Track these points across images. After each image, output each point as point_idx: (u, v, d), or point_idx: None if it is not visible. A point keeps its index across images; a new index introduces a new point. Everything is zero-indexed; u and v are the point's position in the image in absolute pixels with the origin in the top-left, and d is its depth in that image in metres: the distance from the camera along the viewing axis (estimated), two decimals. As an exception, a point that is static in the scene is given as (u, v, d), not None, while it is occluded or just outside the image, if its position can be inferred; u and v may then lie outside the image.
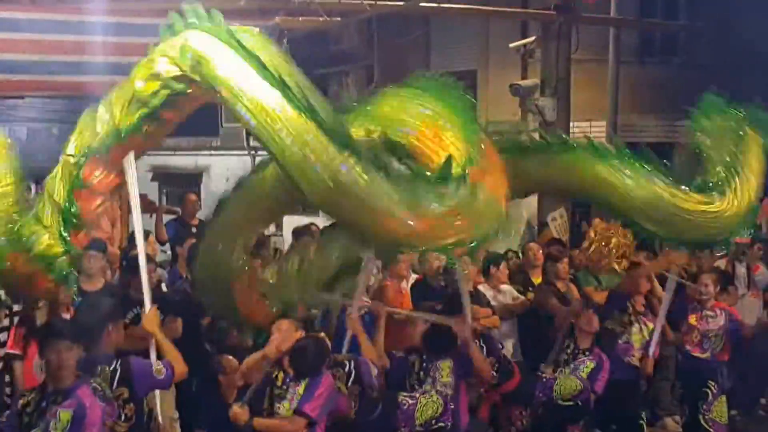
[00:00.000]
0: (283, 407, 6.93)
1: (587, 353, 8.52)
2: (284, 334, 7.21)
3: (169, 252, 11.83)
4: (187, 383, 8.74)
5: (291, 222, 11.58)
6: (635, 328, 9.32)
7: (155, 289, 9.03)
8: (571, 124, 13.78)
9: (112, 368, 6.23)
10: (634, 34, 19.12)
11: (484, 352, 8.27)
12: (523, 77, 16.53)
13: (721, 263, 11.33)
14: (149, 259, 9.19)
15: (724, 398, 9.55)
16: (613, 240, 9.83)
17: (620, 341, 9.26)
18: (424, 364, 7.93)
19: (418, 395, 7.63)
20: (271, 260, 10.68)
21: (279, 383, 7.04)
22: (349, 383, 7.42)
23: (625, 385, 9.02)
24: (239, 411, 6.84)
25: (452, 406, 7.73)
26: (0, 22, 9.97)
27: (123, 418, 6.31)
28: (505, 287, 10.44)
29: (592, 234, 10.11)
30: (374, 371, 7.58)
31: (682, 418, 10.20)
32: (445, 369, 7.87)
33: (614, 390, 8.83)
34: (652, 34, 19.85)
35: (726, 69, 16.99)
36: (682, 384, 10.21)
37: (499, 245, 11.30)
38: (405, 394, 7.70)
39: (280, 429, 6.90)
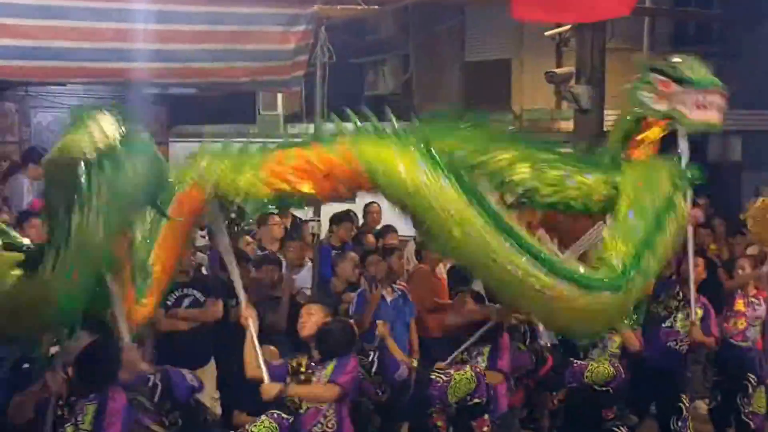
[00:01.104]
0: None
1: (612, 331, 8.49)
2: (315, 318, 7.36)
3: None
4: (228, 364, 8.93)
5: (328, 208, 11.70)
6: (681, 314, 9.28)
7: (196, 272, 9.19)
8: (604, 112, 13.78)
9: (151, 384, 6.37)
10: (669, 24, 19.09)
11: (528, 340, 8.41)
12: (558, 66, 16.54)
13: (754, 249, 11.34)
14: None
15: (762, 389, 9.61)
16: None
17: (663, 325, 9.24)
18: (469, 347, 8.08)
19: (452, 371, 7.71)
20: (308, 246, 10.85)
21: (303, 368, 7.16)
22: (372, 373, 7.52)
23: (666, 371, 9.07)
24: (269, 386, 6.94)
25: (485, 380, 7.81)
26: (43, 10, 10.10)
27: (167, 423, 6.48)
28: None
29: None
30: (401, 368, 7.63)
31: (710, 402, 10.20)
32: (485, 354, 8.00)
33: (655, 374, 8.95)
34: (687, 23, 19.81)
35: (760, 59, 16.99)
36: (719, 371, 10.15)
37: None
38: (438, 371, 7.79)
39: (314, 395, 7.00)
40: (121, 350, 6.24)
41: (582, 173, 6.43)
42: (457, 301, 8.61)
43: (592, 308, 6.02)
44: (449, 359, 8.15)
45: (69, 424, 6.14)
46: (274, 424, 6.75)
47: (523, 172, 6.22)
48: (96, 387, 6.14)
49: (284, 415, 6.81)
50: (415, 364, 8.48)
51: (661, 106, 6.97)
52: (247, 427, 6.79)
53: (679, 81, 6.92)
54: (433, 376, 7.73)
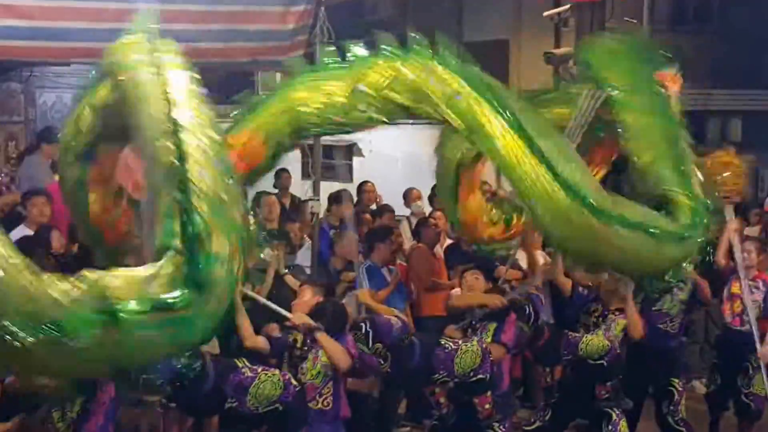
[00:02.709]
0: (307, 367, 7.11)
1: (617, 313, 8.49)
2: (306, 301, 7.44)
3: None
4: (228, 340, 8.98)
5: (327, 187, 11.81)
6: (669, 295, 9.30)
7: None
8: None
9: (132, 377, 6.24)
10: (668, 2, 19.14)
11: (531, 313, 8.37)
12: (556, 46, 16.60)
13: (755, 230, 11.38)
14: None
15: (763, 370, 9.47)
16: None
17: (653, 308, 9.24)
18: (473, 322, 8.11)
19: (460, 342, 7.74)
20: (309, 225, 10.92)
21: (299, 345, 7.23)
22: (371, 343, 7.55)
23: (656, 352, 9.07)
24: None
25: (491, 357, 7.82)
26: (46, -10, 10.13)
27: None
28: (539, 252, 10.58)
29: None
30: (394, 327, 7.64)
31: (709, 383, 10.16)
32: (490, 330, 8.01)
33: (646, 356, 8.97)
34: (686, 1, 19.85)
35: (759, 36, 17.04)
36: (718, 354, 10.16)
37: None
38: (448, 338, 7.81)
39: (333, 352, 7.09)
40: None
41: None
42: (465, 280, 8.54)
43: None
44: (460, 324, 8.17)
45: (56, 409, 6.17)
46: (281, 382, 6.78)
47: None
48: (82, 393, 6.14)
49: (293, 381, 6.86)
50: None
51: None
52: (259, 369, 6.82)
53: None
54: (442, 341, 7.73)
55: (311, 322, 7.09)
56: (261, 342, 7.19)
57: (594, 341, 8.19)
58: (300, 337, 7.24)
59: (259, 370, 6.77)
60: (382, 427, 9.58)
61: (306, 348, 7.18)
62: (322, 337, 7.07)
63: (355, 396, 8.27)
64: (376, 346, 7.42)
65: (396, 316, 7.87)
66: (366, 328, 7.44)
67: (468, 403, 7.85)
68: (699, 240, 6.99)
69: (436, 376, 7.61)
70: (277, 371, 6.85)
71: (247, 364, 6.78)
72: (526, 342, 8.30)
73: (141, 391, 6.47)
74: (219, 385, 6.61)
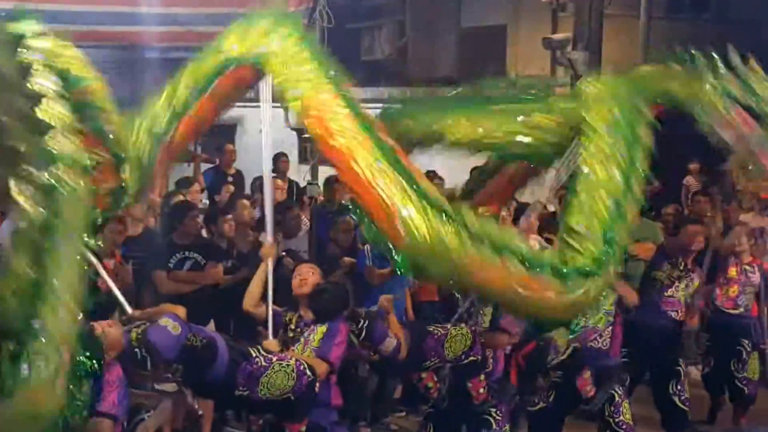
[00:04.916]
0: (298, 350, 7.00)
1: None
2: (313, 278, 7.35)
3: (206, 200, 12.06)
4: (226, 324, 8.99)
5: (325, 171, 11.81)
6: (683, 284, 9.18)
7: (198, 235, 9.27)
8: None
9: (139, 357, 6.20)
10: (666, -11, 19.13)
11: None
12: (554, 32, 16.58)
13: (748, 217, 11.38)
14: (193, 206, 9.48)
15: (756, 355, 9.63)
16: None
17: (665, 294, 9.13)
18: (470, 308, 8.09)
19: (449, 326, 7.68)
20: (307, 207, 10.91)
21: (293, 326, 7.19)
22: (360, 339, 7.52)
23: (664, 334, 9.04)
24: (270, 343, 6.93)
25: (482, 340, 7.78)
26: (47, -26, 10.13)
27: (171, 377, 6.50)
28: (535, 237, 10.61)
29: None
30: (392, 342, 7.54)
31: (703, 369, 10.18)
32: (487, 315, 7.98)
33: (652, 341, 8.97)
34: (684, -11, 19.85)
35: (756, 25, 17.04)
36: (711, 338, 10.14)
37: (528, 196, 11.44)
38: (436, 325, 7.77)
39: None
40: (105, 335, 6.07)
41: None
42: None
43: (567, 299, 5.87)
44: (453, 319, 8.12)
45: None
46: (295, 373, 6.62)
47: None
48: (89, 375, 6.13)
49: (307, 372, 6.70)
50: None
51: (727, 135, 6.52)
52: (273, 358, 6.69)
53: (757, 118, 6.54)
54: (431, 329, 7.69)
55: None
56: (259, 310, 7.18)
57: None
58: (295, 318, 7.23)
59: (274, 359, 6.62)
60: (377, 413, 9.61)
61: (299, 329, 7.15)
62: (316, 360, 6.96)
63: (351, 382, 8.29)
64: (363, 344, 7.40)
65: (396, 335, 7.74)
66: (362, 326, 7.30)
67: (462, 387, 7.84)
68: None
69: (428, 363, 7.58)
70: (292, 361, 6.68)
71: (262, 352, 6.65)
72: (516, 344, 8.20)
73: (150, 375, 6.44)
74: (232, 372, 6.54)
